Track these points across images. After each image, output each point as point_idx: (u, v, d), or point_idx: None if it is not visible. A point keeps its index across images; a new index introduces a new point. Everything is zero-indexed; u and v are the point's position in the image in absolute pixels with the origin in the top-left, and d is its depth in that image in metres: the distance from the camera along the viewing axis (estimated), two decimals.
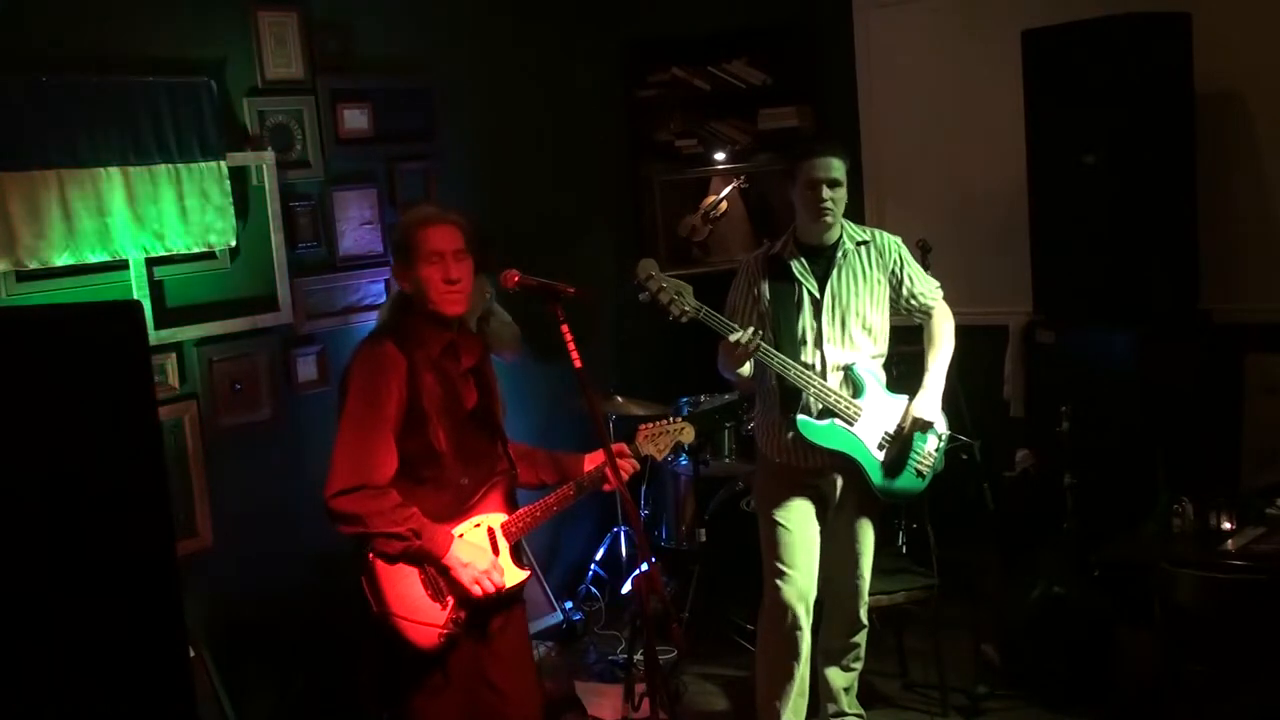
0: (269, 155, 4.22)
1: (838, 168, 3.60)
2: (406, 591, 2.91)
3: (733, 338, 3.48)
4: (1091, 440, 4.15)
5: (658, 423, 3.43)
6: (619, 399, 4.88)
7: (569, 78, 5.46)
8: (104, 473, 2.28)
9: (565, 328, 3.08)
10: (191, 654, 3.34)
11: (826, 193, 3.59)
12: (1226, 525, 3.66)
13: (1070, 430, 4.12)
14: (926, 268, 4.08)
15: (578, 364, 3.03)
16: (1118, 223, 4.22)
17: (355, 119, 4.53)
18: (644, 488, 5.10)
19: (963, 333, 3.85)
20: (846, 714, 3.92)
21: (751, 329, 3.50)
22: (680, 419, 3.46)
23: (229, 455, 4.13)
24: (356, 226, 4.54)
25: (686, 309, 3.43)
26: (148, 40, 3.92)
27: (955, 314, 3.84)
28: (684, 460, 4.96)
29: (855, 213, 5.34)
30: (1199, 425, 4.26)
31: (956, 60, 5.07)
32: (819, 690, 3.92)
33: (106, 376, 2.30)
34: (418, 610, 2.91)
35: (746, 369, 3.65)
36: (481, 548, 3.00)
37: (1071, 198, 4.31)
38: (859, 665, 3.92)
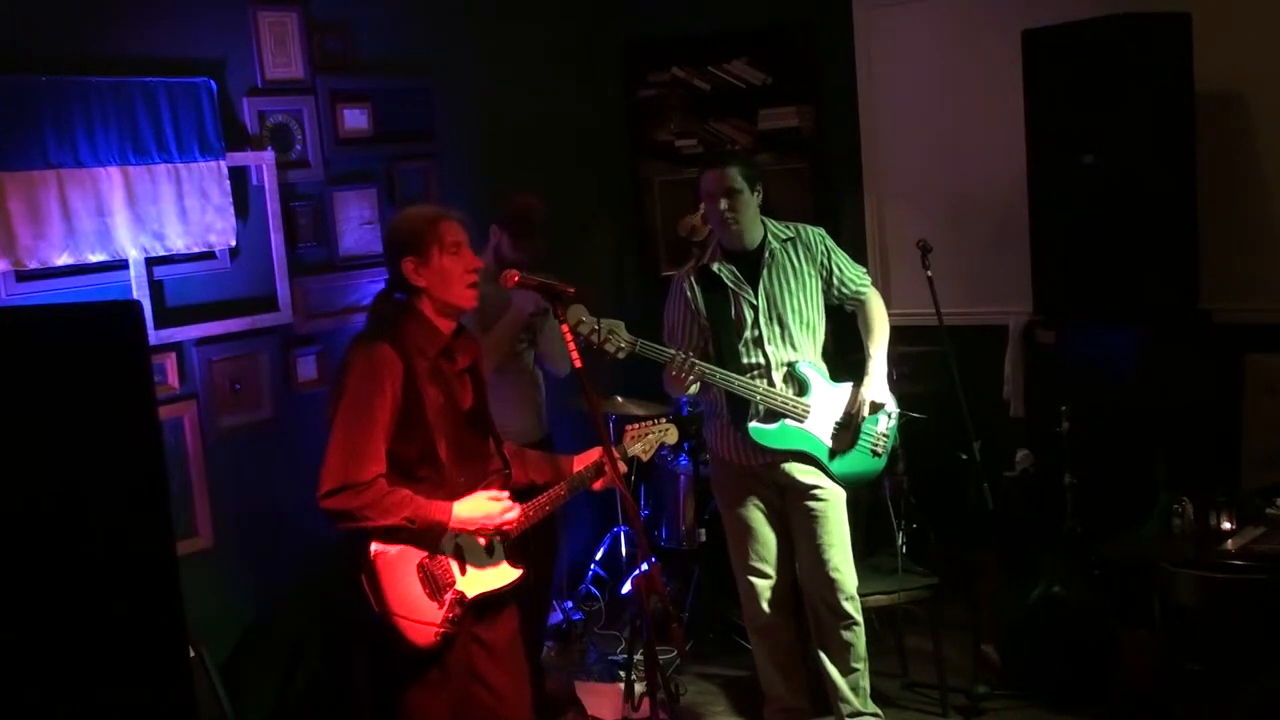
0: (269, 155, 4.22)
1: (732, 177, 3.70)
2: (406, 591, 2.92)
3: (671, 362, 3.57)
4: (1091, 440, 4.15)
5: (643, 423, 3.47)
6: (619, 399, 4.88)
7: (569, 77, 5.46)
8: (104, 472, 2.28)
9: (565, 327, 3.09)
10: (191, 654, 3.34)
11: (724, 203, 3.70)
12: (1226, 525, 3.66)
13: (1070, 430, 4.12)
14: (926, 267, 4.09)
15: (578, 363, 3.04)
16: (1117, 222, 4.21)
17: (355, 119, 4.53)
18: (643, 487, 5.11)
19: (962, 333, 3.86)
20: (863, 714, 3.91)
21: (687, 351, 3.60)
22: (665, 420, 3.50)
23: (229, 455, 4.13)
24: (356, 226, 4.54)
25: (621, 345, 3.49)
26: (148, 40, 3.93)
27: (955, 314, 3.86)
28: (684, 460, 4.97)
29: (854, 213, 5.39)
30: (1199, 425, 4.26)
31: (956, 60, 5.07)
32: (828, 691, 3.93)
33: (106, 376, 2.30)
34: (416, 609, 2.91)
35: (693, 390, 3.73)
36: (478, 498, 3.03)
37: (1071, 198, 4.31)
38: (861, 665, 3.90)
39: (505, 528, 3.05)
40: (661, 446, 3.50)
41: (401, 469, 2.94)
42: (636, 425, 3.46)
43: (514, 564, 3.12)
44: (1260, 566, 3.44)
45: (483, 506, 3.02)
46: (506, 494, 3.10)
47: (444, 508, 2.95)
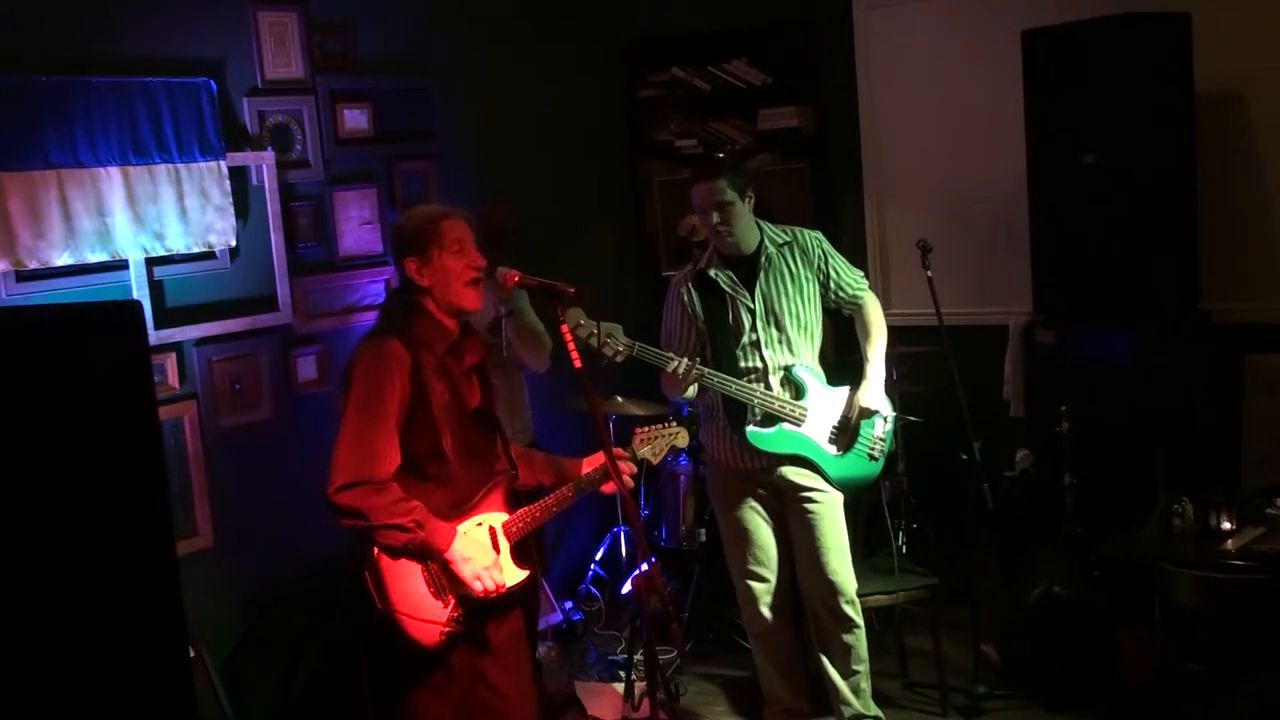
0: (269, 155, 4.22)
1: (721, 190, 3.67)
2: (410, 589, 2.92)
3: (670, 368, 3.57)
4: (1091, 440, 4.15)
5: (653, 426, 3.46)
6: (619, 399, 4.88)
7: (569, 78, 5.46)
8: (104, 473, 2.27)
9: (565, 327, 3.09)
10: (191, 654, 3.34)
11: (715, 216, 3.69)
12: (1226, 525, 3.65)
13: (1070, 430, 4.13)
14: (926, 268, 4.09)
15: (578, 363, 3.04)
16: (1117, 223, 4.21)
17: (355, 119, 4.53)
18: (643, 487, 5.10)
19: (963, 333, 3.85)
20: (864, 716, 3.91)
21: (687, 358, 3.59)
22: (674, 423, 3.49)
23: (229, 455, 4.13)
24: (356, 226, 4.54)
25: (620, 349, 3.49)
26: (148, 40, 3.93)
27: (955, 314, 3.86)
28: (684, 460, 4.97)
29: (854, 213, 5.39)
30: (1199, 425, 4.26)
31: (956, 60, 5.07)
32: (829, 693, 3.93)
33: (106, 376, 2.30)
34: (421, 608, 2.91)
35: (690, 392, 3.73)
36: (483, 544, 3.01)
37: (1071, 198, 4.31)
38: (862, 667, 3.90)
39: (481, 594, 2.95)
40: (673, 448, 3.48)
41: (409, 465, 2.95)
42: (646, 428, 3.44)
43: (520, 564, 3.11)
44: (1260, 566, 3.44)
45: (481, 558, 2.96)
46: (507, 550, 3.06)
47: (447, 535, 2.92)
